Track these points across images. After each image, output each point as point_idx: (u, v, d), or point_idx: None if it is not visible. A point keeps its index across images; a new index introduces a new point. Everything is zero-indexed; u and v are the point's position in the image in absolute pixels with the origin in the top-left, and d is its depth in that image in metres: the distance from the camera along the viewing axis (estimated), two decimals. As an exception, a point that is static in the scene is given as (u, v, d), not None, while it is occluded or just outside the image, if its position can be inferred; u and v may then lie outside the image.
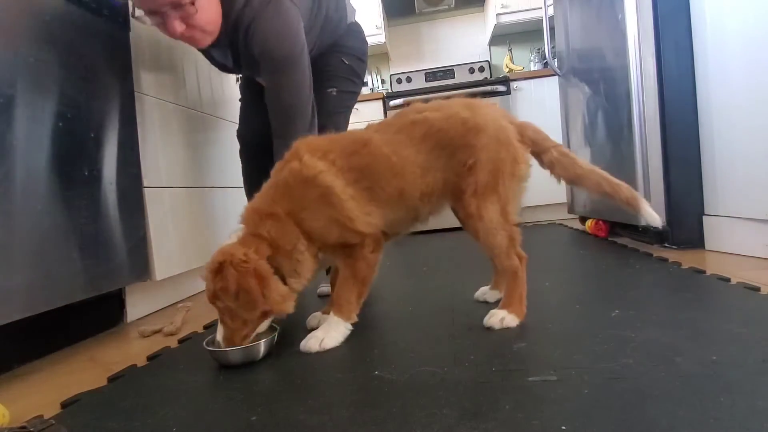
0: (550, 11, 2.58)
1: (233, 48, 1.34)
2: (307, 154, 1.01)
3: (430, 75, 3.86)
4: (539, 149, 1.07)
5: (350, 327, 1.05)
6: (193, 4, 1.14)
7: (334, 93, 1.55)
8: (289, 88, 1.28)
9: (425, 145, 1.02)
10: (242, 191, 2.20)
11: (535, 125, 1.08)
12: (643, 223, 1.78)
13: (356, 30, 1.65)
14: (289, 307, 0.98)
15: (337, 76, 1.58)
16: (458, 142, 1.01)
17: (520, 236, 1.04)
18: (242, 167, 1.68)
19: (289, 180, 1.00)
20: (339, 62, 1.58)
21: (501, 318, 1.00)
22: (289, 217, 0.98)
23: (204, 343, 1.00)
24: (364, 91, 3.62)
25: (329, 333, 1.01)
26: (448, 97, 1.11)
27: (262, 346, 0.97)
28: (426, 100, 1.11)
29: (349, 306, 1.04)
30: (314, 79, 1.42)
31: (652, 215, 1.04)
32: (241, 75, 1.70)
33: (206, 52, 1.47)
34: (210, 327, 1.29)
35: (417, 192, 1.03)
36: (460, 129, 1.01)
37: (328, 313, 1.08)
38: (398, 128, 1.05)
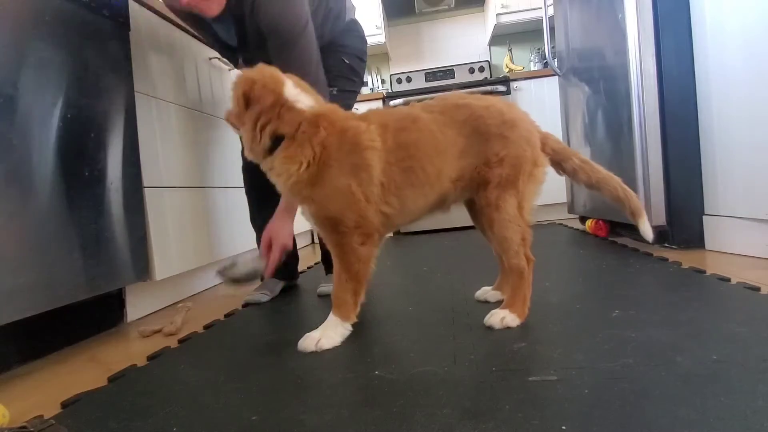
0: (550, 11, 2.58)
1: (238, 24, 1.35)
2: (374, 125, 1.02)
3: (430, 75, 3.86)
4: (561, 158, 1.10)
5: (349, 327, 1.04)
6: None
7: (335, 92, 1.55)
8: (299, 59, 1.29)
9: (465, 129, 1.04)
10: (240, 190, 2.20)
11: (555, 136, 1.12)
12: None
13: (355, 29, 1.66)
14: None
15: (338, 76, 1.58)
16: (494, 131, 1.03)
17: (531, 238, 1.04)
18: (246, 191, 1.67)
19: (348, 134, 1.00)
20: (339, 62, 1.58)
21: (502, 318, 1.00)
22: (318, 146, 0.99)
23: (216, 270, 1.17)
24: (364, 90, 3.62)
25: (326, 333, 1.01)
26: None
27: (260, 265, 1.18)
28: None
29: (347, 305, 1.03)
30: None
31: (648, 231, 1.08)
32: (242, 59, 1.67)
33: (210, 33, 1.47)
34: (210, 327, 1.29)
35: (453, 175, 1.04)
36: (497, 119, 1.03)
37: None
38: (442, 109, 1.06)
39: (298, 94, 1.02)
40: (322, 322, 1.05)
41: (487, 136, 1.03)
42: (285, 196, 1.08)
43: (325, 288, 1.52)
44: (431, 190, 1.04)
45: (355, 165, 0.99)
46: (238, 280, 1.25)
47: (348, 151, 0.99)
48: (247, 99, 1.00)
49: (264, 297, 1.54)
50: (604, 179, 1.09)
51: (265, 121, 0.99)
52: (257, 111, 0.99)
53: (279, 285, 1.65)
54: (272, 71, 1.04)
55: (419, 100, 1.16)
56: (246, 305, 1.50)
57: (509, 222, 1.02)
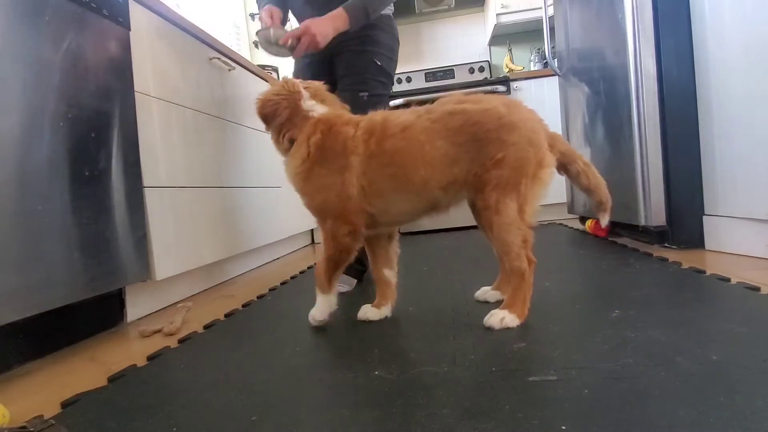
0: (550, 11, 2.58)
1: None
2: (361, 131, 1.09)
3: (430, 75, 3.86)
4: (567, 160, 1.10)
5: (330, 297, 1.15)
6: None
7: (365, 97, 1.57)
8: None
9: (459, 138, 1.03)
10: (241, 191, 2.21)
11: (562, 137, 1.11)
12: (642, 222, 1.78)
13: (389, 25, 1.69)
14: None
15: (369, 80, 1.60)
16: (491, 136, 1.02)
17: (533, 239, 1.04)
18: None
19: (338, 138, 1.10)
20: (370, 62, 1.61)
21: (501, 318, 1.00)
22: (313, 146, 1.11)
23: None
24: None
25: (316, 308, 1.16)
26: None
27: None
28: (423, 102, 1.14)
29: (321, 281, 1.14)
30: (345, 80, 1.56)
31: (605, 221, 1.15)
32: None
33: None
34: (210, 327, 1.29)
35: (443, 182, 1.05)
36: (495, 123, 1.02)
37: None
38: (437, 117, 1.06)
39: (313, 105, 1.18)
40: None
41: (484, 142, 1.02)
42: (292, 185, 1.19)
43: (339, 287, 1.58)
44: (417, 196, 1.08)
45: (339, 166, 1.08)
46: (270, 44, 1.52)
47: (335, 154, 1.09)
48: (263, 117, 1.19)
49: (343, 288, 1.61)
50: (599, 184, 1.11)
51: (285, 130, 1.17)
52: (279, 122, 1.17)
53: (353, 281, 1.68)
54: (292, 86, 1.19)
55: (421, 101, 1.19)
56: None
57: (509, 225, 1.01)
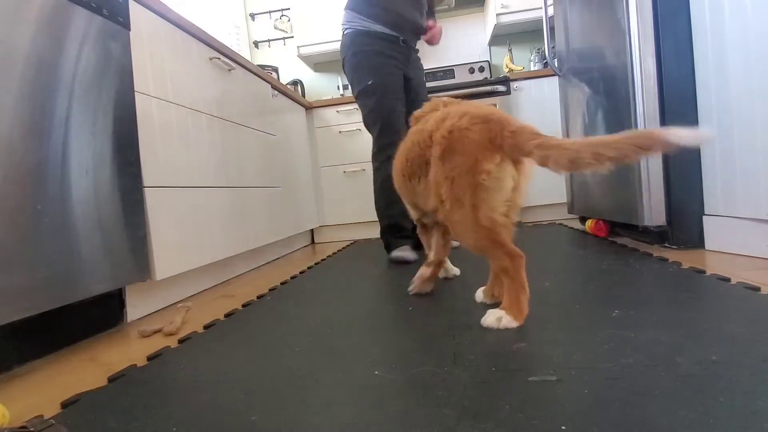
0: (550, 11, 2.58)
1: None
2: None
3: (430, 75, 3.85)
4: (516, 157, 0.95)
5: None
6: None
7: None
8: None
9: (409, 155, 1.22)
10: (241, 191, 2.20)
11: (531, 127, 0.95)
12: (642, 222, 1.78)
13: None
14: None
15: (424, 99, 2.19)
16: (426, 155, 1.12)
17: (509, 235, 0.99)
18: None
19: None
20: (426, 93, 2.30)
21: (498, 317, 1.00)
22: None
23: None
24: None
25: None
26: (456, 96, 1.24)
27: None
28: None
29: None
30: (423, 91, 2.27)
31: None
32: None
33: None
34: (210, 327, 1.29)
35: (412, 194, 1.26)
36: (426, 142, 1.12)
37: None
38: (406, 138, 1.29)
39: None
40: (324, 323, 1.09)
41: (423, 161, 1.14)
42: None
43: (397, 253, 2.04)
44: (416, 201, 1.27)
45: None
46: None
47: None
48: None
49: (412, 256, 1.99)
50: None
51: None
52: None
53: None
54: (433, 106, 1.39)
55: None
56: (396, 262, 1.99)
57: (467, 235, 1.03)
